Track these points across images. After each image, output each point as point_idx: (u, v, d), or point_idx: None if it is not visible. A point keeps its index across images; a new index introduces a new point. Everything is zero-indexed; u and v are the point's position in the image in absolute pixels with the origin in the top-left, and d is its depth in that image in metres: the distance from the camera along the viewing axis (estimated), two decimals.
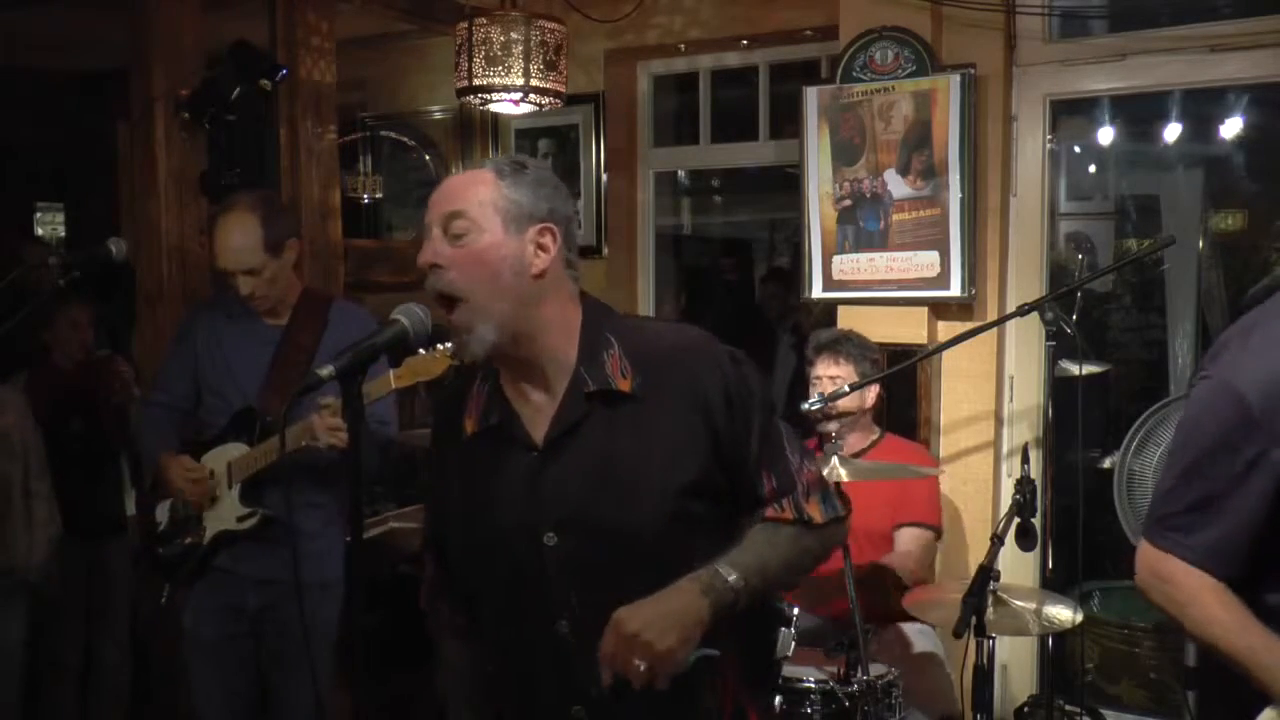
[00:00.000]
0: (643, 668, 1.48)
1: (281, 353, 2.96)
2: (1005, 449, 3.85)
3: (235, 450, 2.92)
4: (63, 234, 5.88)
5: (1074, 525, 3.33)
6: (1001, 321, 3.52)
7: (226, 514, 2.94)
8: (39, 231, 5.78)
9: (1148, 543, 1.88)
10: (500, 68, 3.52)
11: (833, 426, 3.27)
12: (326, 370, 1.57)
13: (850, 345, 3.42)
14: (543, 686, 1.73)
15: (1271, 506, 1.74)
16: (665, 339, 1.72)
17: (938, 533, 3.44)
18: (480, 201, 1.62)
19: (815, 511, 1.73)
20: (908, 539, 3.36)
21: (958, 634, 2.58)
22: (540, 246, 1.64)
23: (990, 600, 2.67)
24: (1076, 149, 4.51)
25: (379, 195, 5.42)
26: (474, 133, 5.11)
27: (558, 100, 3.71)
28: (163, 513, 3.06)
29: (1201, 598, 1.80)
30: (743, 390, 1.68)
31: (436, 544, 1.91)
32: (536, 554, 1.66)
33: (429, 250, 1.63)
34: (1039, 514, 2.84)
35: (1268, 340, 1.78)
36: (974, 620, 2.60)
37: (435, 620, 1.96)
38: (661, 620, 1.52)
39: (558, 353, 1.67)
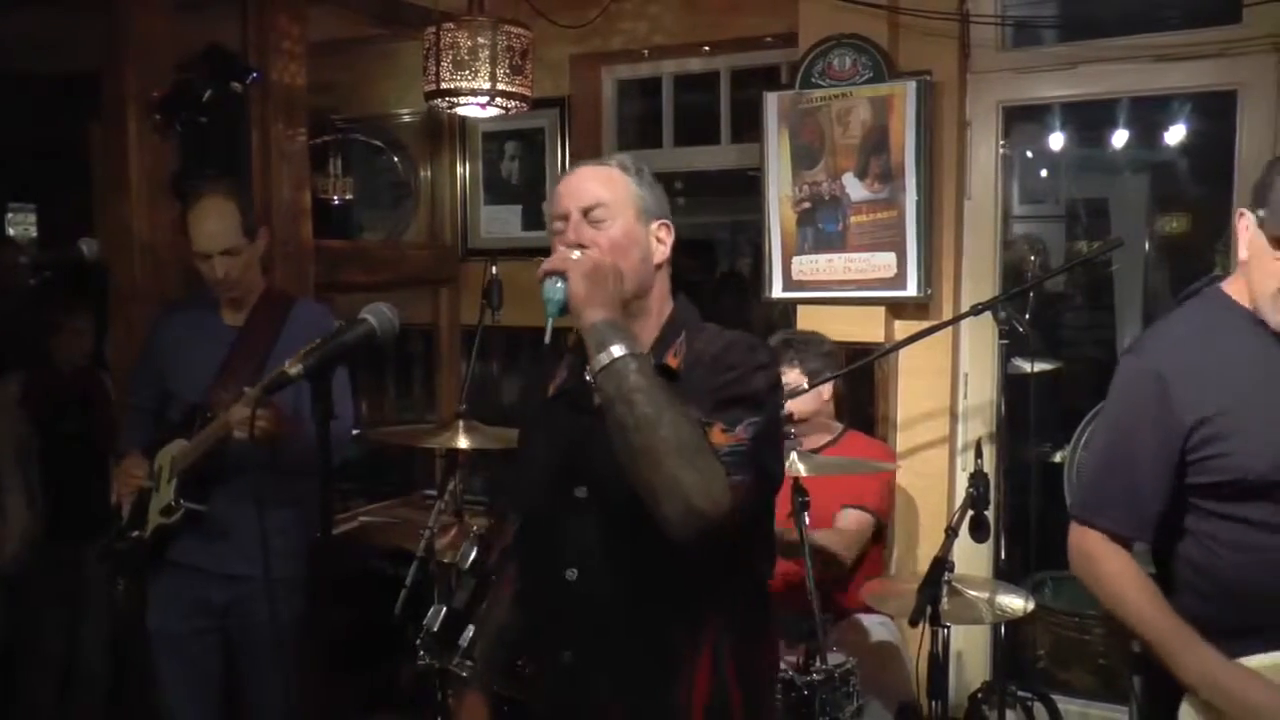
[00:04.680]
0: (575, 256, 1.69)
1: (236, 350, 2.98)
2: (960, 444, 3.92)
3: (178, 445, 2.95)
4: (35, 234, 5.84)
5: (1026, 517, 3.40)
6: (956, 321, 3.58)
7: (160, 508, 2.96)
8: (10, 232, 5.74)
9: (1074, 520, 2.05)
10: (467, 72, 3.55)
11: (788, 429, 3.32)
12: (295, 369, 1.61)
13: (793, 351, 3.43)
14: (543, 629, 1.89)
15: (1178, 473, 1.93)
16: (715, 344, 1.82)
17: (878, 520, 3.44)
18: (618, 193, 1.83)
19: (720, 439, 1.65)
20: (845, 519, 3.39)
21: (913, 623, 2.66)
22: (659, 239, 1.86)
23: (945, 590, 2.74)
24: (1029, 154, 4.57)
25: (349, 196, 5.42)
26: (442, 135, 5.12)
27: (524, 104, 3.74)
28: (125, 509, 3.08)
29: (1118, 580, 1.96)
30: (732, 392, 1.70)
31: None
32: (565, 504, 1.81)
33: (572, 233, 1.80)
34: (992, 507, 2.88)
35: (1177, 327, 2.02)
36: (929, 610, 2.68)
37: (499, 578, 2.15)
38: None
39: (644, 336, 1.81)
